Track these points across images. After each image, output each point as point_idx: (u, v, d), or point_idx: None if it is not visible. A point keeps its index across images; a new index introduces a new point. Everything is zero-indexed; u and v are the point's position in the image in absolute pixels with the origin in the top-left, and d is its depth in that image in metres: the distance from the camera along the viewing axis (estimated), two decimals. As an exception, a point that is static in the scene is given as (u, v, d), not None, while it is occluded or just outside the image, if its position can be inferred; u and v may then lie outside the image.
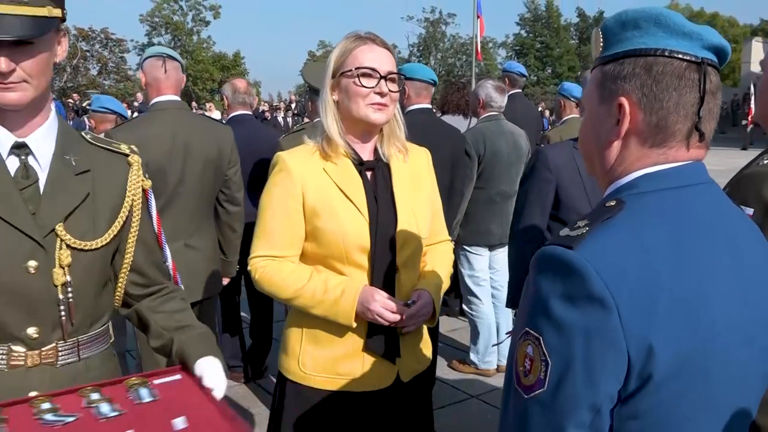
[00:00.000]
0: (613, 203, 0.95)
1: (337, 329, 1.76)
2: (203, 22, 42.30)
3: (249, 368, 4.20)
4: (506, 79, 5.23)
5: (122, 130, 2.67)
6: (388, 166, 1.81)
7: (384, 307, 1.69)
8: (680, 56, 0.95)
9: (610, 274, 0.84)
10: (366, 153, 1.79)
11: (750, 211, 1.51)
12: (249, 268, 1.80)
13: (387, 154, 1.81)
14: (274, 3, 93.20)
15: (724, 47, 0.98)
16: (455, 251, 4.55)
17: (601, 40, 1.04)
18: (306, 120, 3.91)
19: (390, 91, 1.73)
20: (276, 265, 1.76)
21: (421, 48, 47.43)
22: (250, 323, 4.28)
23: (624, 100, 0.97)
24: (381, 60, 1.73)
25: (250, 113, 4.08)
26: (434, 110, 4.21)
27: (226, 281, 3.17)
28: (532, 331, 0.89)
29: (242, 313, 4.34)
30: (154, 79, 2.74)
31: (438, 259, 1.94)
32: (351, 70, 1.71)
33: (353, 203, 1.73)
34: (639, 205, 0.93)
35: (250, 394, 4.02)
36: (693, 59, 0.95)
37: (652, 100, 0.95)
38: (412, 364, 1.85)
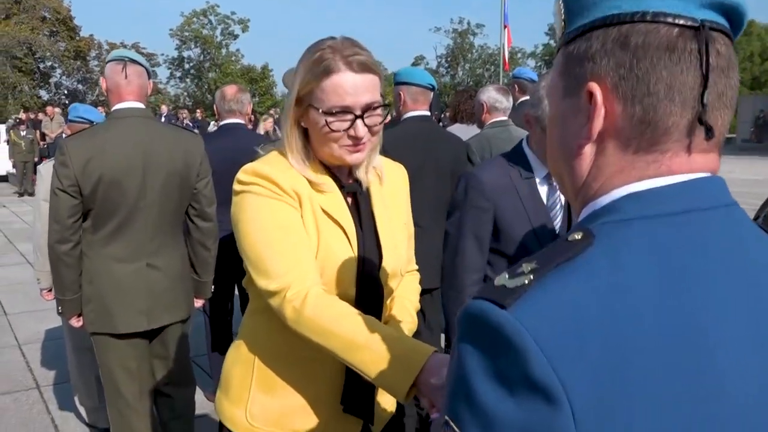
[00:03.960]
0: (578, 236, 0.64)
1: (295, 375, 1.48)
2: (232, 35, 42.65)
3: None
4: (516, 86, 4.93)
5: (75, 139, 2.44)
6: (368, 192, 1.53)
7: None
8: (669, 20, 0.65)
9: (561, 349, 0.56)
10: (344, 175, 1.51)
11: None
12: (279, 305, 1.35)
13: (365, 179, 1.52)
14: (301, 16, 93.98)
15: (737, 4, 0.67)
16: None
17: (563, 11, 0.75)
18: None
19: (369, 127, 1.40)
20: (325, 300, 1.35)
21: (449, 59, 47.18)
22: (243, 345, 4.04)
23: (595, 87, 0.68)
24: (356, 92, 1.36)
25: (241, 121, 3.84)
26: (435, 118, 3.94)
27: (199, 303, 2.92)
28: (452, 423, 0.61)
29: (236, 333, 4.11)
30: (115, 84, 2.51)
31: (408, 296, 1.66)
32: (318, 109, 1.38)
33: (344, 232, 1.45)
34: (617, 240, 0.63)
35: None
36: (688, 23, 0.65)
37: (634, 84, 0.66)
38: (379, 412, 1.56)
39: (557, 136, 0.75)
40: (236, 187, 1.44)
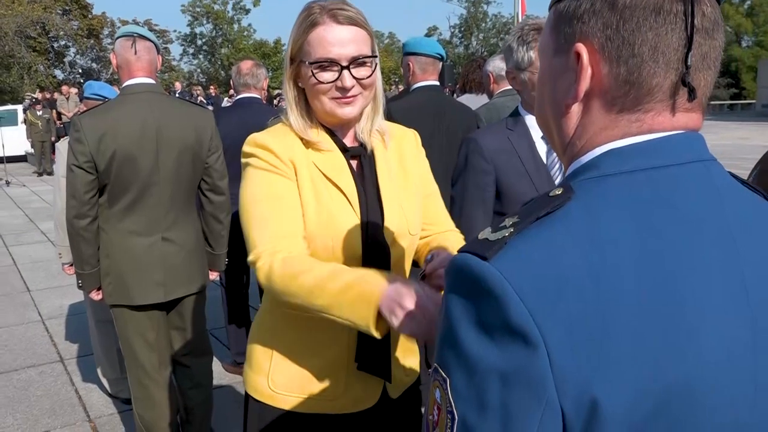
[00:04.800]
0: (558, 192, 0.68)
1: (314, 340, 1.50)
2: (243, 10, 42.48)
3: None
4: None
5: (89, 115, 2.48)
6: (372, 156, 1.54)
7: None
8: None
9: (539, 297, 0.59)
10: (348, 139, 1.53)
11: None
12: (257, 275, 1.40)
13: (368, 142, 1.54)
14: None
15: None
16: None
17: None
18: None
19: (357, 79, 1.42)
20: (292, 259, 1.37)
21: (462, 29, 46.63)
22: (260, 316, 4.11)
23: (582, 48, 0.70)
24: (342, 44, 1.40)
25: (257, 96, 3.86)
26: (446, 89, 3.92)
27: (213, 276, 2.98)
28: (440, 370, 0.65)
29: (252, 305, 4.18)
30: (125, 61, 2.54)
31: (450, 241, 1.62)
32: (306, 62, 1.42)
33: (344, 194, 1.47)
34: (595, 194, 0.66)
35: (256, 390, 3.86)
36: None
37: (619, 44, 0.68)
38: (400, 376, 1.58)
39: (547, 93, 0.78)
40: (242, 159, 1.50)
